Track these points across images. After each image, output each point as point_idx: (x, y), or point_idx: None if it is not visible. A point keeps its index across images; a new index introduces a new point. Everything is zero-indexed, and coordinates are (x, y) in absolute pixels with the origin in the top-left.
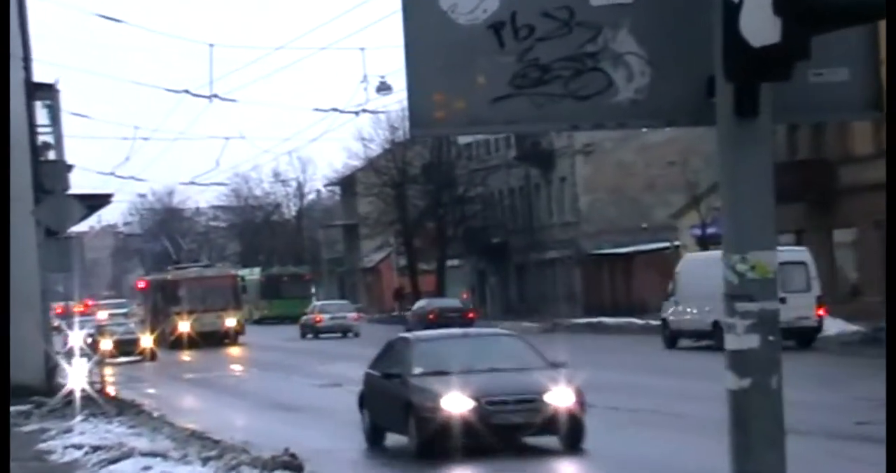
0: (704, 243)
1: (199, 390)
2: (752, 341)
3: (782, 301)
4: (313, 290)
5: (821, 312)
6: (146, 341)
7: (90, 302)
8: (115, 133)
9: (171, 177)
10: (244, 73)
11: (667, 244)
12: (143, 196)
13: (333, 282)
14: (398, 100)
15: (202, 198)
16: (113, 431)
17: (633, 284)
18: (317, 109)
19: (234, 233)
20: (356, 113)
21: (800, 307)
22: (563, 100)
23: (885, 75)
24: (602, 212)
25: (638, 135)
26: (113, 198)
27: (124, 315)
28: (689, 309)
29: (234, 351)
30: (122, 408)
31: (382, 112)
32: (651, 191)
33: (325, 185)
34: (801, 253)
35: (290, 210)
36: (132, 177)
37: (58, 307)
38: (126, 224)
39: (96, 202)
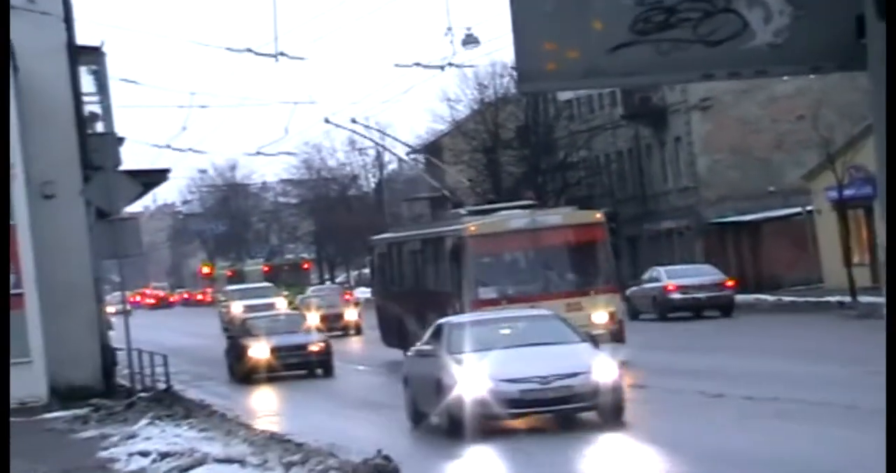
0: (842, 207)
1: (276, 389)
2: None
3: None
4: (312, 278)
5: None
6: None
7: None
8: (169, 100)
9: (234, 149)
10: (313, 28)
11: (798, 209)
12: (202, 171)
13: None
14: (486, 53)
15: (269, 171)
16: (182, 435)
17: (761, 256)
18: (397, 65)
19: (307, 209)
20: (441, 68)
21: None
22: (691, 46)
23: (886, 72)
24: (724, 175)
25: (762, 87)
26: (169, 174)
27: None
28: None
29: None
30: (192, 410)
31: (470, 67)
32: (779, 150)
33: (409, 153)
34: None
35: (369, 182)
36: (190, 150)
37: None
38: (185, 203)
39: (151, 179)
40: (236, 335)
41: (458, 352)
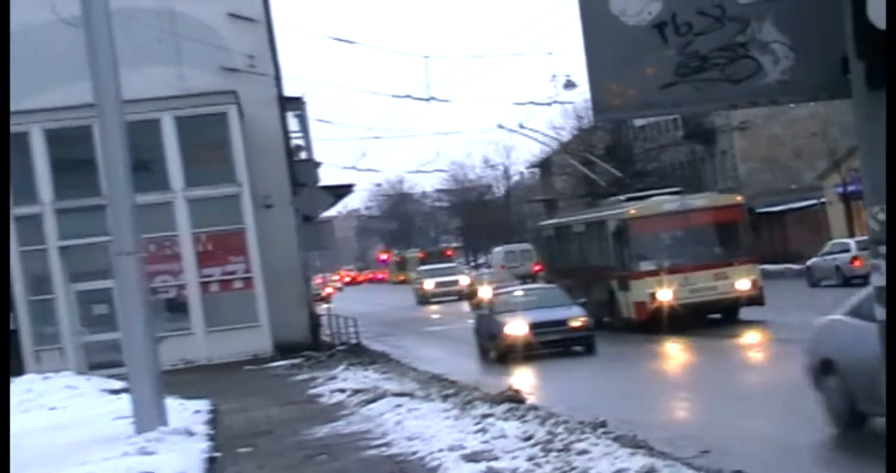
0: (846, 199)
1: (439, 341)
2: None
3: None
4: (454, 262)
5: None
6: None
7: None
8: (352, 134)
9: (401, 168)
10: (454, 78)
11: (814, 201)
12: (378, 185)
13: None
14: (581, 92)
15: (427, 183)
16: (369, 377)
17: (787, 237)
18: (516, 103)
19: (455, 211)
20: (548, 104)
21: None
22: (720, 84)
23: (887, 72)
24: (758, 178)
25: (784, 111)
26: (354, 188)
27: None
28: None
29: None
30: (375, 358)
31: (570, 103)
32: (798, 158)
33: (527, 168)
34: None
35: (500, 190)
36: (369, 170)
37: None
38: (366, 208)
39: (341, 192)
40: (488, 311)
41: None
